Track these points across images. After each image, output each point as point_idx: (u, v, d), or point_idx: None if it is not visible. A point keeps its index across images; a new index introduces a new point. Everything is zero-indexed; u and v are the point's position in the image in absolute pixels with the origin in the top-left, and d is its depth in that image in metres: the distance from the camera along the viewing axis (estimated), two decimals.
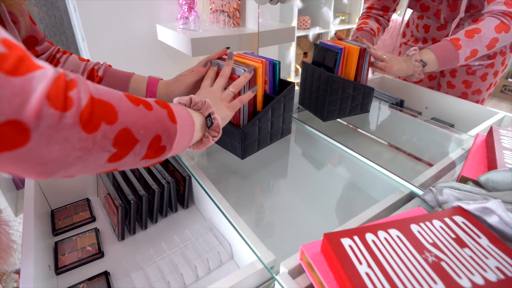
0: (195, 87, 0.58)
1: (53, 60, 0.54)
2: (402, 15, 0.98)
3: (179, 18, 1.25)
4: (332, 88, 0.73)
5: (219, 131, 0.46)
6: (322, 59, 0.77)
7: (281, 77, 0.66)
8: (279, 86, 0.67)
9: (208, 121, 0.45)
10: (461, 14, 0.79)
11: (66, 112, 0.25)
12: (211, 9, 1.34)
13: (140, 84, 0.58)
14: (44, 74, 0.24)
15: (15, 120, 0.22)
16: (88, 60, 0.58)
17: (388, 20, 1.00)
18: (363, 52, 0.73)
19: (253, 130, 0.62)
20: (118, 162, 0.32)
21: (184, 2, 1.25)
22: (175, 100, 0.45)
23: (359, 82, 0.76)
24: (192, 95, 0.45)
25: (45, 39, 0.55)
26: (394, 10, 0.98)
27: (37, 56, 0.53)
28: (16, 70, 0.22)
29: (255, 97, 0.62)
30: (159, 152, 0.36)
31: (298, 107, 0.91)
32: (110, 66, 0.59)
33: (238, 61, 0.62)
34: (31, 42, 0.52)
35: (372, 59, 0.76)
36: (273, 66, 0.64)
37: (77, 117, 0.26)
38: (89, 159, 0.28)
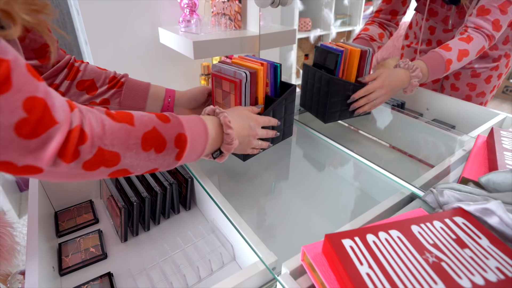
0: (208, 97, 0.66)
1: (71, 68, 0.55)
2: (405, 17, 0.98)
3: (181, 21, 1.26)
4: (333, 90, 0.73)
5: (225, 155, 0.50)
6: (323, 61, 0.77)
7: (283, 79, 0.67)
8: (281, 89, 0.67)
9: (217, 154, 0.49)
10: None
11: (72, 162, 0.30)
12: (212, 12, 1.35)
13: (159, 88, 0.63)
14: (59, 130, 0.28)
15: (31, 165, 0.28)
16: (105, 70, 0.60)
17: (397, 24, 0.99)
18: (364, 54, 0.73)
19: None
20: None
21: (186, 5, 1.26)
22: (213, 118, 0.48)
23: (360, 84, 0.77)
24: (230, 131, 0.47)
25: (58, 47, 0.56)
26: (404, 13, 0.98)
27: (53, 64, 0.53)
28: (33, 133, 0.27)
29: (256, 99, 0.63)
30: (152, 172, 0.41)
31: (300, 109, 0.92)
32: (127, 74, 0.62)
33: (239, 63, 0.62)
34: (45, 49, 0.52)
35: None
36: (274, 69, 0.64)
37: (80, 164, 0.31)
38: (87, 178, 0.34)
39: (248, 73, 0.57)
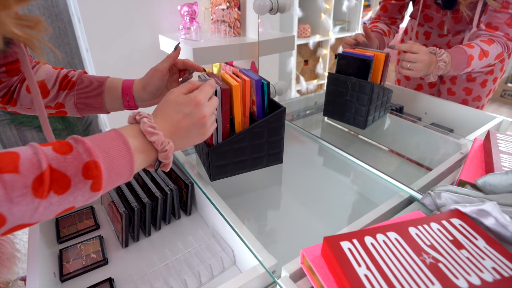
0: (170, 74, 0.57)
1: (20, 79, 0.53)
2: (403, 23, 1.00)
3: (181, 28, 1.28)
4: (373, 96, 0.75)
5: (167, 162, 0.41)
6: (351, 68, 0.78)
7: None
8: (272, 109, 0.60)
9: (157, 165, 0.41)
10: (474, 28, 0.80)
11: None
12: (212, 19, 1.37)
13: (116, 83, 0.56)
14: None
15: None
16: (62, 68, 0.57)
17: (398, 27, 1.02)
18: (387, 58, 0.76)
19: (224, 153, 0.58)
20: None
21: (185, 13, 1.28)
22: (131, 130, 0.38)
23: (384, 87, 0.79)
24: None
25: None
26: (402, 19, 1.00)
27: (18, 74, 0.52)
28: None
29: (232, 118, 0.58)
30: (72, 209, 0.34)
31: (295, 116, 0.92)
32: (85, 72, 0.57)
33: (224, 78, 0.58)
34: (14, 65, 0.51)
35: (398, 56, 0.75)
36: (262, 86, 0.58)
37: None
38: None
39: (219, 88, 0.52)
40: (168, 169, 0.43)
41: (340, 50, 0.85)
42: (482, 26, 0.77)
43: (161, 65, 0.55)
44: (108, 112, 0.58)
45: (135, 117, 0.39)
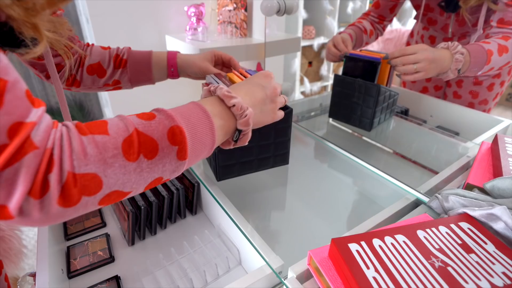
0: (214, 64, 0.65)
1: (81, 56, 0.60)
2: (406, 25, 0.99)
3: (187, 29, 1.29)
4: (379, 98, 0.75)
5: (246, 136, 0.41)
6: (358, 70, 0.78)
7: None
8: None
9: (236, 135, 0.40)
10: (479, 31, 0.78)
11: (43, 197, 0.25)
12: (218, 20, 1.37)
13: (161, 56, 0.64)
14: (30, 162, 0.24)
15: (1, 205, 0.24)
16: (109, 48, 0.63)
17: (383, 29, 1.00)
18: None
19: (230, 153, 0.58)
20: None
21: (192, 14, 1.28)
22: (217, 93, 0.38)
23: (391, 89, 0.79)
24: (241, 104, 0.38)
25: (77, 40, 0.60)
26: (390, 21, 0.99)
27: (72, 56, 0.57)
28: (7, 163, 0.23)
29: None
30: (161, 183, 0.34)
31: (300, 117, 0.92)
32: (130, 48, 0.64)
33: (230, 78, 0.58)
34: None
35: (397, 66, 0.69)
36: None
37: (54, 201, 0.25)
38: (72, 216, 0.28)
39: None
40: (247, 142, 0.41)
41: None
42: (493, 23, 0.74)
43: (208, 65, 0.62)
44: (154, 83, 0.66)
45: (210, 89, 0.40)
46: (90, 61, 0.60)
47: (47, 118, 0.26)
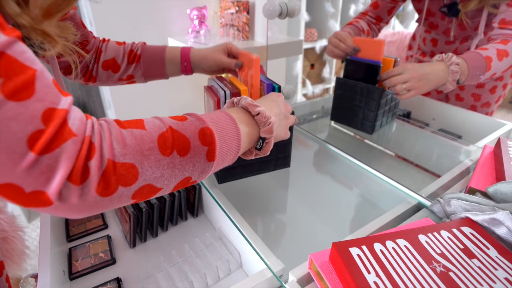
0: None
1: (97, 52, 0.62)
2: (408, 28, 0.99)
3: (190, 32, 1.29)
4: (381, 101, 0.75)
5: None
6: (359, 74, 0.78)
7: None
8: None
9: (260, 143, 0.42)
10: (480, 35, 0.78)
11: (83, 183, 0.26)
12: (221, 23, 1.38)
13: (175, 51, 0.64)
14: (70, 148, 0.25)
15: (40, 191, 0.24)
16: (124, 43, 0.65)
17: (379, 31, 1.00)
18: (395, 64, 0.75)
19: None
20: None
21: (195, 17, 1.29)
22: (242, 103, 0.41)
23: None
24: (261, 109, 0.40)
25: (92, 36, 0.62)
26: (387, 23, 0.99)
27: (88, 53, 0.60)
28: (47, 148, 0.24)
29: None
30: (188, 184, 0.35)
31: (301, 120, 0.93)
32: (144, 43, 0.65)
33: (232, 81, 0.59)
34: (82, 46, 0.59)
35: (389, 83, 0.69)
36: (273, 90, 0.58)
37: (93, 188, 0.26)
38: (105, 208, 0.29)
39: (228, 92, 0.54)
40: (268, 152, 0.43)
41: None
42: (495, 24, 0.73)
43: (223, 57, 0.63)
44: (168, 77, 0.67)
45: (233, 101, 0.42)
46: (105, 57, 0.62)
47: (77, 109, 0.28)
